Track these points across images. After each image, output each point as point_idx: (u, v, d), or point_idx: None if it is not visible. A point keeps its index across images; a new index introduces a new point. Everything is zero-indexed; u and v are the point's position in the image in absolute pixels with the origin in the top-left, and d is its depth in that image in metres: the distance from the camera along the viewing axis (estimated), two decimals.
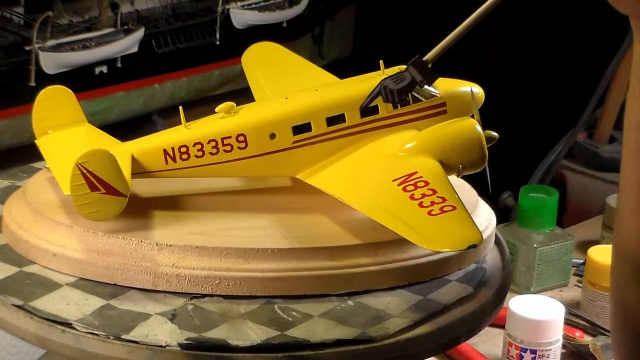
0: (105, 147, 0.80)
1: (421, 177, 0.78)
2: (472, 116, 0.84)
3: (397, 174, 0.79)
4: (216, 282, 0.75)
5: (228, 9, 1.78)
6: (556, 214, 1.29)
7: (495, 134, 0.85)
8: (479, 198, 0.89)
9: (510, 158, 1.49)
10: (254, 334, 0.70)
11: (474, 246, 0.72)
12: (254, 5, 1.82)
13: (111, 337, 0.69)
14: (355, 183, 0.80)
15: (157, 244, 0.75)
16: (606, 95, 1.69)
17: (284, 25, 1.89)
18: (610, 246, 1.29)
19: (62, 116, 0.86)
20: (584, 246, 1.31)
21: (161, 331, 0.70)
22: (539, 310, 1.06)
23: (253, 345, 0.69)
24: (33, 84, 1.52)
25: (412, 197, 0.76)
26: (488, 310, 0.78)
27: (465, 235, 0.72)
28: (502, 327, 1.11)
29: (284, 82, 0.96)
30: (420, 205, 0.75)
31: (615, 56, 1.62)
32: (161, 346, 0.69)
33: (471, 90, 0.86)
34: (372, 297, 0.76)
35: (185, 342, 0.69)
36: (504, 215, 1.58)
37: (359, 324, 0.72)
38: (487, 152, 0.83)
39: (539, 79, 1.92)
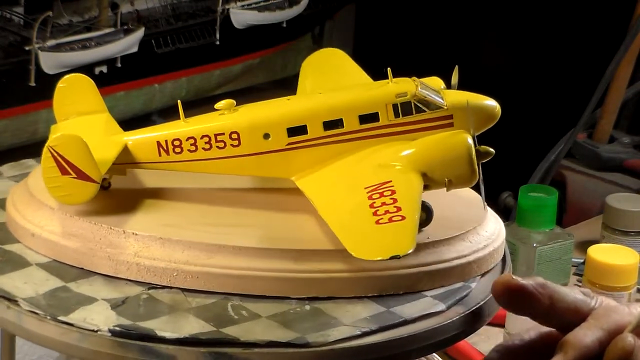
0: (105, 135, 0.81)
1: (392, 186, 0.76)
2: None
3: (371, 182, 0.77)
4: (174, 275, 0.75)
5: (228, 9, 1.78)
6: (556, 213, 1.29)
7: (491, 150, 0.81)
8: (488, 215, 0.85)
9: (510, 158, 1.49)
10: (190, 327, 0.70)
11: (397, 257, 0.70)
12: (253, 5, 1.82)
13: (48, 317, 0.70)
14: (332, 189, 0.79)
15: (124, 232, 0.76)
16: (606, 95, 1.69)
17: (284, 25, 1.89)
18: (610, 245, 1.30)
19: (82, 104, 0.86)
20: (584, 246, 1.30)
21: (99, 316, 0.71)
22: None
23: (179, 337, 0.69)
24: (33, 84, 1.52)
25: (371, 206, 0.74)
26: (452, 329, 0.75)
27: (392, 245, 0.70)
28: (502, 325, 1.11)
29: (326, 89, 0.93)
30: (375, 214, 0.73)
31: (615, 56, 1.62)
32: (93, 330, 0.69)
33: (467, 102, 0.82)
34: (332, 304, 0.74)
35: (116, 328, 0.69)
36: (504, 215, 1.58)
37: (303, 328, 0.71)
38: (477, 168, 0.79)
39: (539, 79, 1.92)
